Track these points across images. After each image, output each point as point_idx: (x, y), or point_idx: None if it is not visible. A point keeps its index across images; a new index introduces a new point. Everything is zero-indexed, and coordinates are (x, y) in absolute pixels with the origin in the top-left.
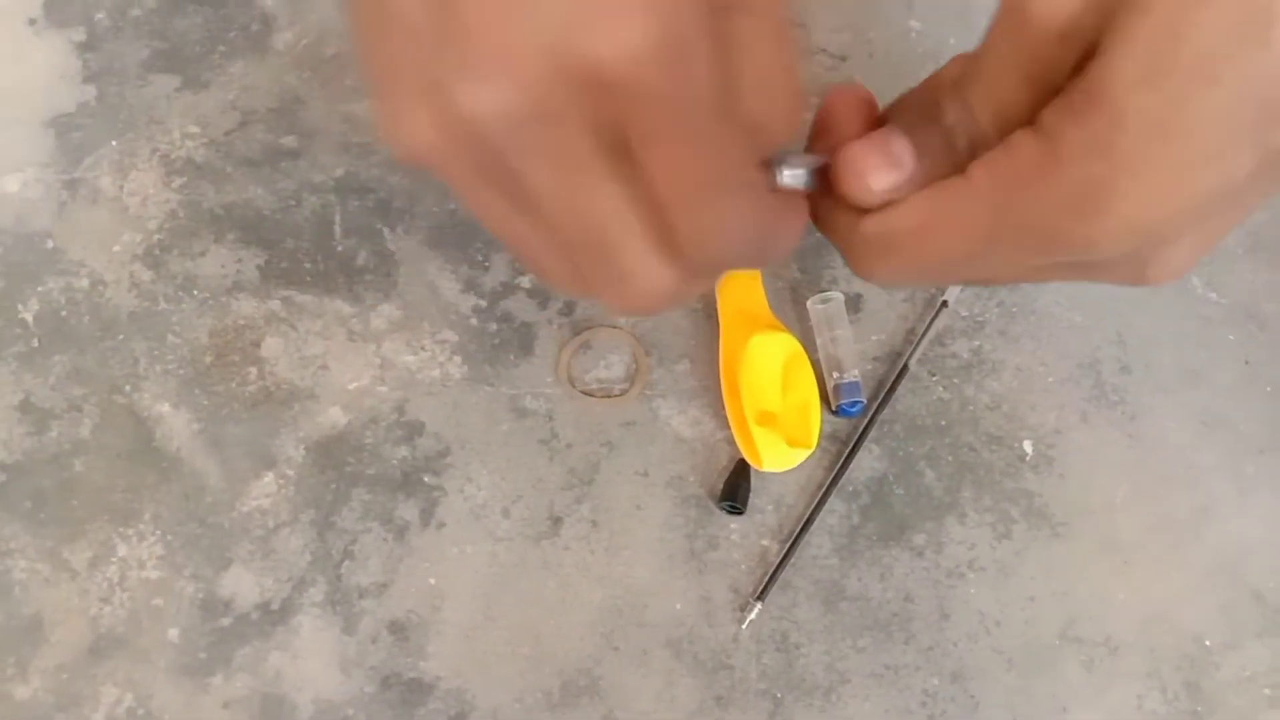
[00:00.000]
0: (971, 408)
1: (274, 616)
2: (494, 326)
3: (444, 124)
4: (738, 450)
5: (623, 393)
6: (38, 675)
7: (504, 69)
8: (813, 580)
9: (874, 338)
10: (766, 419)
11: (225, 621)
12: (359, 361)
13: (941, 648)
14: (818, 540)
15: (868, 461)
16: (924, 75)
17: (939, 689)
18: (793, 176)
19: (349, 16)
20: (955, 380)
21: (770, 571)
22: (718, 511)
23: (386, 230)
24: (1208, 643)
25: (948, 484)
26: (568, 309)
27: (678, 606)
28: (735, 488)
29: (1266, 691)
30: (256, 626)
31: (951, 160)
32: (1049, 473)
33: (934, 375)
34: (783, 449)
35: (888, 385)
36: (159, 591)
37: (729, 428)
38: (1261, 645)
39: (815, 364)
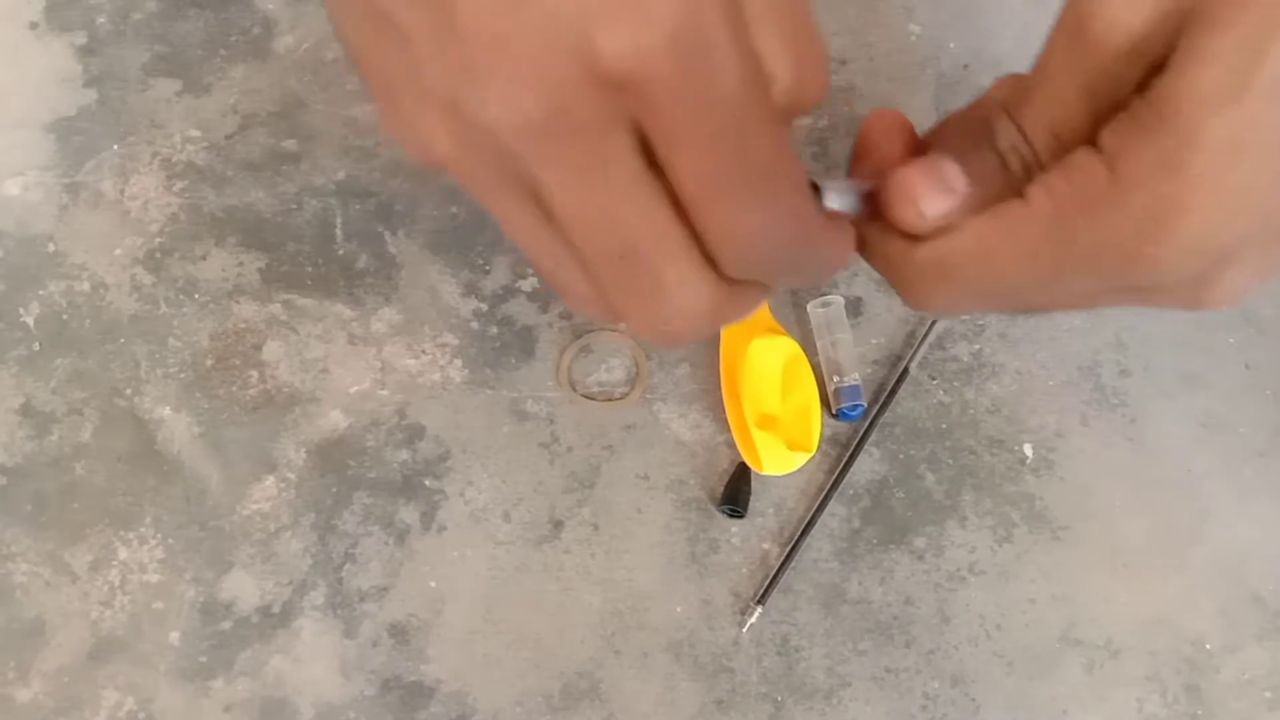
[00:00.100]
0: (972, 411)
1: (275, 620)
2: (495, 330)
3: (459, 135)
4: (738, 454)
5: (623, 396)
6: (38, 679)
7: (512, 74)
8: (813, 583)
9: (874, 341)
10: (767, 422)
11: (226, 625)
12: (360, 365)
13: (942, 651)
14: (818, 544)
15: (868, 465)
16: (924, 79)
17: (939, 692)
18: (839, 201)
19: (336, 24)
20: (955, 384)
21: (771, 575)
22: (718, 515)
23: (387, 234)
24: (1208, 646)
25: (948, 487)
26: (569, 313)
27: (678, 610)
28: (736, 491)
29: (1267, 694)
30: (257, 630)
31: (1006, 183)
32: (1049, 476)
33: (934, 379)
34: (783, 452)
35: (888, 389)
36: (160, 595)
37: (729, 431)
38: (1261, 648)
39: (815, 367)
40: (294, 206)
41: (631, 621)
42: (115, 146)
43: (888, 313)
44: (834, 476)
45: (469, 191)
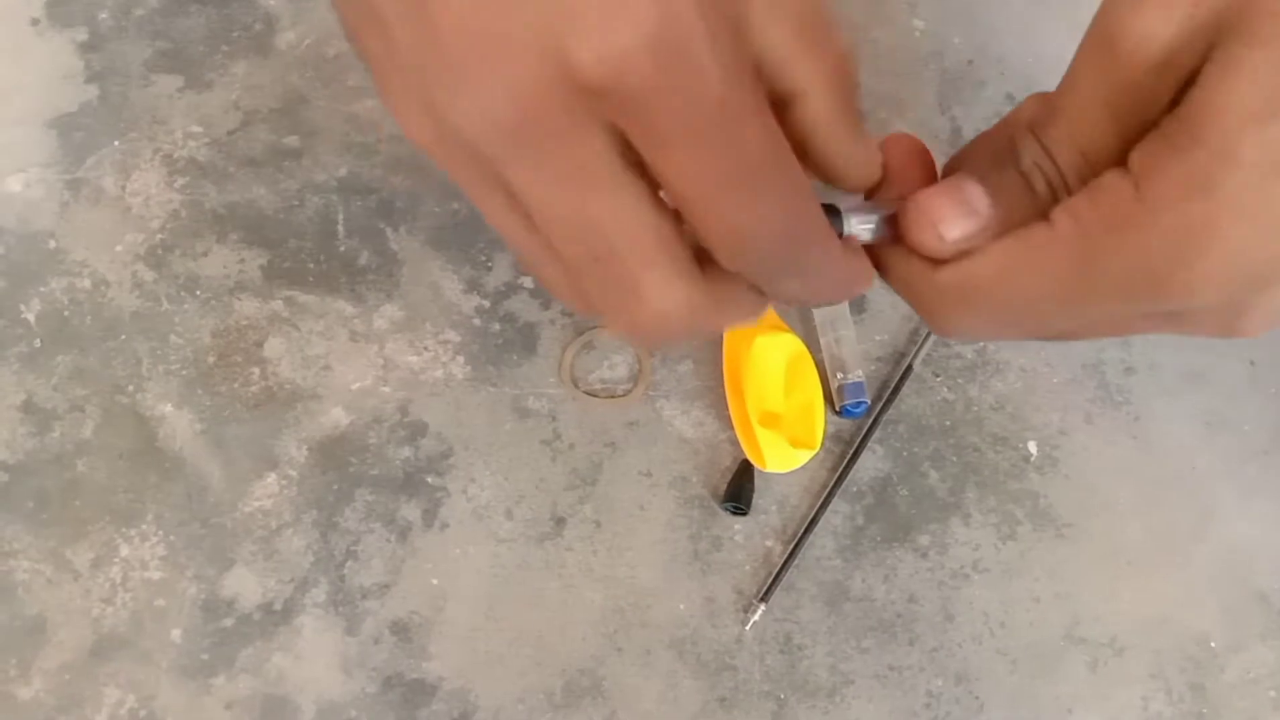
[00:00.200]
0: (976, 408)
1: (276, 617)
2: (497, 327)
3: (438, 129)
4: (741, 451)
5: (626, 393)
6: (40, 676)
7: (486, 79)
8: (816, 581)
9: (878, 338)
10: (770, 420)
11: (228, 622)
12: (362, 362)
13: (946, 649)
14: (821, 541)
15: (871, 462)
16: (928, 75)
17: (943, 690)
18: (860, 226)
19: (338, 11)
20: (959, 381)
21: (774, 572)
22: (721, 512)
23: (389, 230)
24: (1212, 644)
25: (952, 485)
26: (571, 309)
27: (681, 607)
28: (739, 488)
29: (1271, 693)
30: (259, 627)
31: (1032, 206)
32: (1053, 474)
33: (938, 376)
34: (786, 450)
35: (892, 386)
36: (161, 592)
37: (732, 428)
38: (1266, 647)
39: (819, 364)
40: (296, 203)
41: (634, 619)
42: (116, 143)
43: (891, 309)
44: (837, 474)
45: (455, 180)
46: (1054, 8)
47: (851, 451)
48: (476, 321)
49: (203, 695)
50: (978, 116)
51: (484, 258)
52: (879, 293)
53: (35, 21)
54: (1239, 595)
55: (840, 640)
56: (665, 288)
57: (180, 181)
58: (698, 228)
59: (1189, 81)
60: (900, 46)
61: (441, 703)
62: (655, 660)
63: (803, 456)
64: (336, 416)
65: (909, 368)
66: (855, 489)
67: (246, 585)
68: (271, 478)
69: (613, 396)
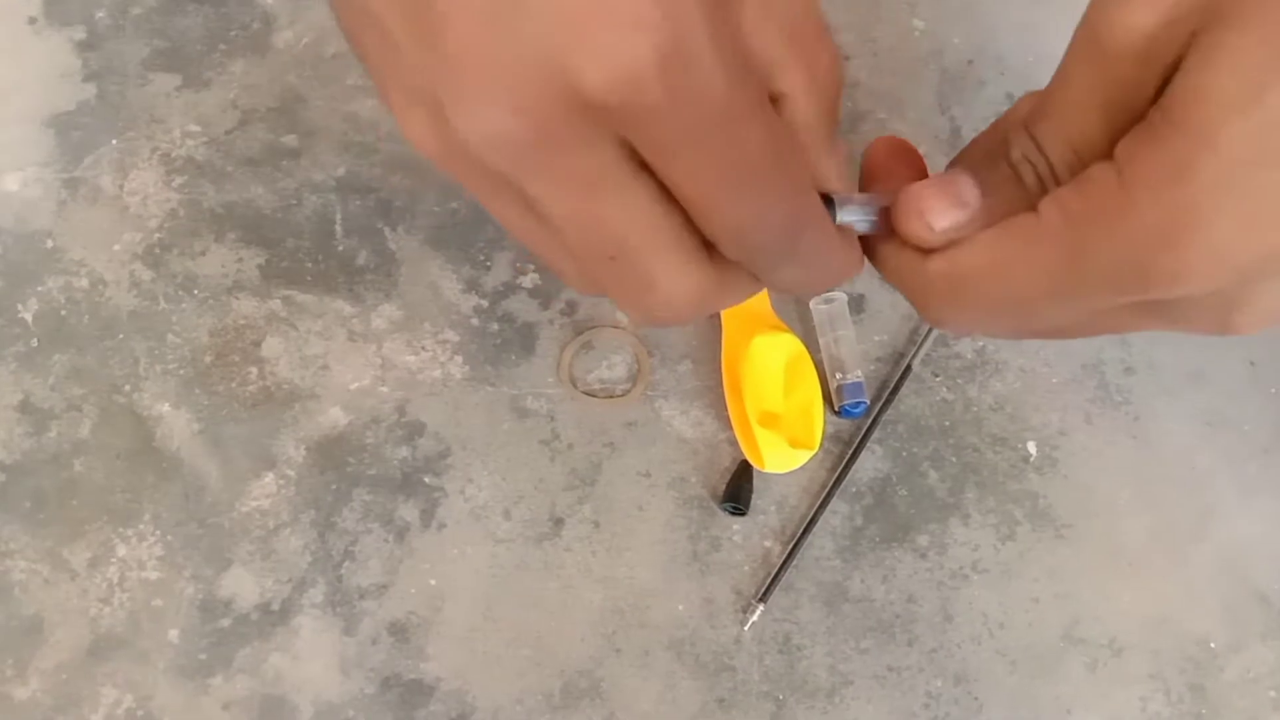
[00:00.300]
0: (975, 409)
1: (274, 617)
2: (495, 326)
3: (444, 138)
4: (740, 451)
5: (625, 393)
6: (37, 676)
7: (494, 95)
8: (815, 582)
9: (877, 338)
10: (769, 420)
11: (225, 622)
12: (360, 361)
13: (945, 649)
14: (820, 541)
15: (871, 462)
16: (928, 74)
17: (942, 691)
18: (854, 215)
19: (337, 15)
20: (959, 381)
21: (773, 573)
22: (720, 512)
23: (387, 230)
24: (1212, 644)
25: (951, 485)
26: (570, 309)
27: (680, 608)
28: (737, 489)
29: (1271, 694)
30: (256, 627)
31: (1021, 198)
32: (1053, 474)
33: (937, 376)
34: (785, 450)
35: (891, 386)
36: (159, 592)
37: (731, 428)
38: (1266, 647)
39: (818, 364)
40: (294, 202)
41: (632, 620)
42: (114, 142)
43: (890, 309)
44: (836, 474)
45: (460, 183)
46: (1054, 7)
47: (850, 452)
48: (475, 321)
49: (200, 695)
50: (977, 116)
51: (483, 257)
52: (878, 293)
53: (33, 20)
54: (1239, 595)
55: (839, 641)
56: (676, 276)
57: (178, 181)
58: (703, 224)
59: (1175, 71)
60: (900, 46)
61: (439, 703)
62: (654, 661)
63: (802, 457)
64: (334, 416)
65: (908, 368)
66: (854, 489)
67: (244, 585)
68: (269, 478)
69: (611, 396)
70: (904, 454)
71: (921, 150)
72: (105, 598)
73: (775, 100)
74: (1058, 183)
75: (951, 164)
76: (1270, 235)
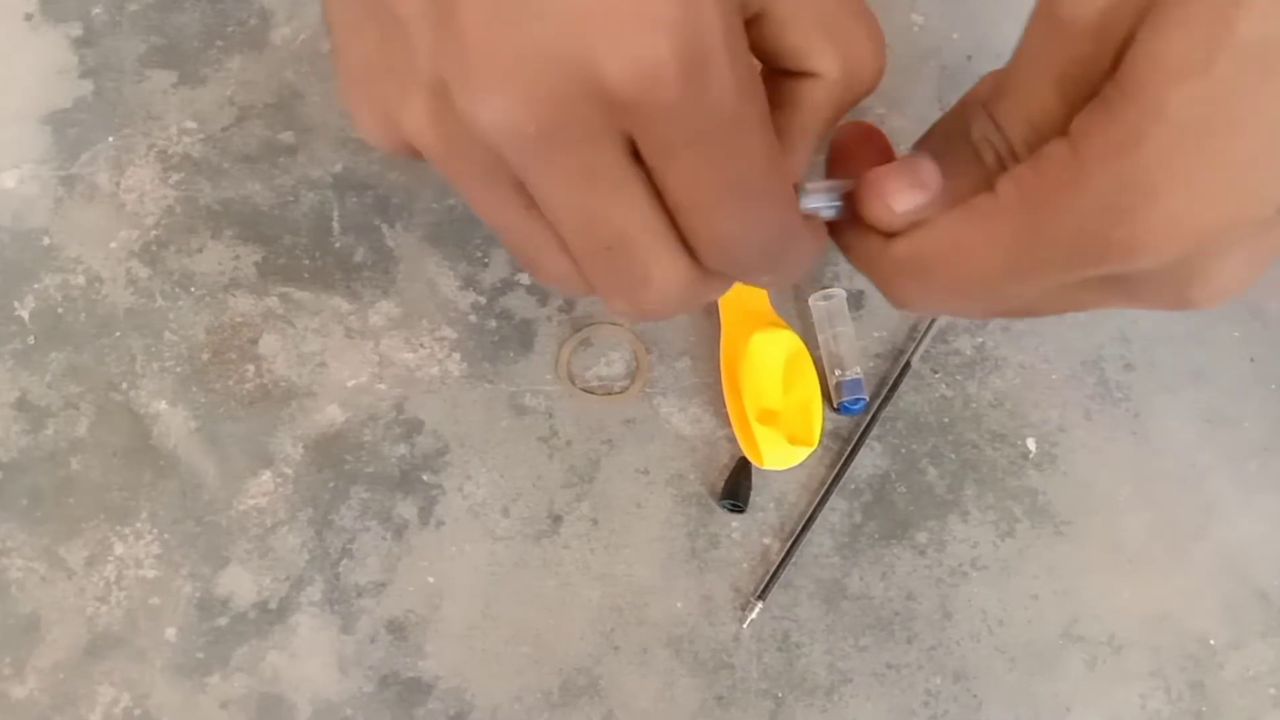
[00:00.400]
0: (974, 405)
1: (272, 616)
2: (493, 323)
3: (443, 124)
4: (739, 448)
5: (623, 390)
6: (34, 675)
7: (509, 83)
8: (814, 579)
9: (876, 334)
10: (768, 416)
11: (223, 621)
12: (357, 359)
13: (944, 647)
14: (819, 539)
15: (870, 459)
16: (927, 70)
17: (941, 688)
18: (819, 201)
19: (325, 5)
20: (958, 377)
21: (771, 570)
22: (719, 510)
23: (385, 227)
24: (1212, 642)
25: (950, 482)
26: (568, 306)
27: (678, 605)
28: (736, 486)
29: (1271, 691)
30: (254, 626)
31: (982, 178)
32: (1052, 471)
33: (936, 372)
34: (784, 447)
35: (890, 382)
36: (156, 590)
37: (730, 425)
38: (1266, 645)
39: (817, 361)
40: (291, 199)
41: (631, 617)
42: (111, 139)
43: (890, 306)
44: (835, 471)
45: (444, 174)
46: None
47: (849, 448)
48: (473, 318)
49: (198, 694)
50: None
51: (480, 254)
52: (877, 290)
53: (29, 16)
54: (1239, 592)
55: (838, 638)
56: (670, 271)
57: (175, 178)
58: (690, 230)
59: (1129, 44)
60: (899, 42)
61: (438, 701)
62: (652, 659)
63: (800, 454)
64: (332, 414)
65: (907, 364)
66: (853, 486)
67: (241, 583)
68: (266, 475)
69: (610, 393)
70: (903, 451)
71: None
72: (102, 596)
73: (803, 77)
74: (1017, 161)
75: (915, 146)
76: (1223, 204)
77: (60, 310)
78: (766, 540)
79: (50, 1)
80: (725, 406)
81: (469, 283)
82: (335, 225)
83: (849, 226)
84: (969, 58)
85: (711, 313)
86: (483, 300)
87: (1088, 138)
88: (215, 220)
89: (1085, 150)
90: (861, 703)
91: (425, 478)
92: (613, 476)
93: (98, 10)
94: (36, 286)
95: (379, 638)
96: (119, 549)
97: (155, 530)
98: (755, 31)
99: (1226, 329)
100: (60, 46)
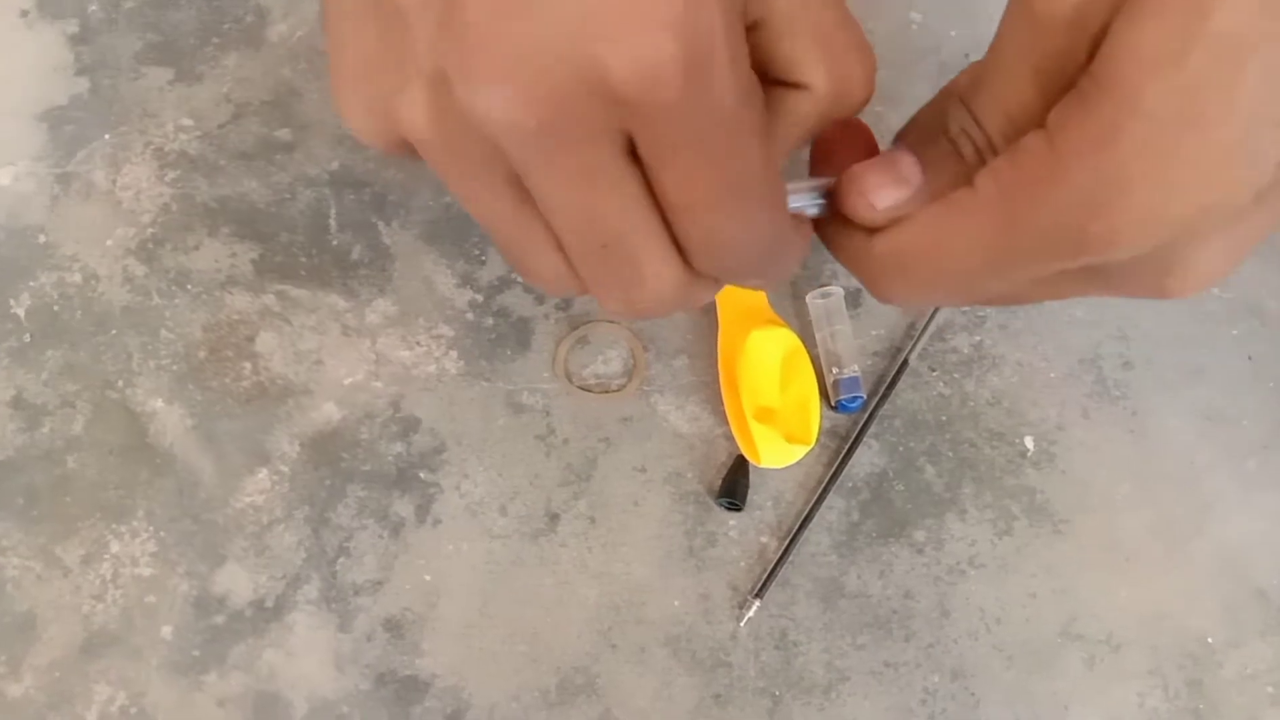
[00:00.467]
0: (972, 403)
1: (268, 614)
2: (490, 321)
3: (441, 116)
4: (736, 446)
5: (620, 388)
6: (30, 673)
7: (512, 77)
8: (812, 577)
9: (874, 333)
10: (765, 415)
11: (219, 619)
12: (354, 357)
13: (942, 645)
14: (817, 537)
15: (867, 457)
16: (925, 67)
17: (939, 687)
18: (802, 200)
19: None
20: (956, 375)
21: (769, 569)
22: (716, 508)
23: (382, 224)
24: (1210, 640)
25: (948, 480)
26: (565, 304)
27: (676, 604)
28: (734, 484)
29: (1269, 689)
30: (251, 624)
31: (962, 172)
32: (1050, 469)
33: (934, 370)
34: (782, 445)
35: (888, 381)
36: (152, 589)
37: (727, 423)
38: (1264, 643)
39: (814, 359)
40: (287, 196)
41: (628, 616)
42: (107, 136)
43: (888, 305)
44: (833, 469)
45: (435, 168)
46: None
47: (847, 447)
48: (470, 316)
49: (194, 692)
50: None
51: (478, 252)
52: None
53: (25, 13)
54: (1238, 591)
55: (836, 636)
56: (663, 270)
57: (171, 175)
58: (682, 232)
59: (1104, 36)
60: (896, 39)
61: (435, 699)
62: (650, 657)
63: (798, 452)
64: (328, 412)
65: (905, 363)
66: (851, 484)
67: (238, 582)
68: (263, 473)
69: (607, 392)
70: (901, 449)
71: None
72: (98, 594)
73: (793, 87)
74: (995, 153)
75: (895, 139)
76: (1199, 195)
77: (56, 308)
78: (764, 539)
79: None
80: (723, 404)
81: (466, 280)
82: (332, 223)
83: (833, 223)
84: (967, 55)
85: (709, 310)
86: (480, 298)
87: (1064, 131)
88: (212, 218)
89: (1062, 144)
90: (859, 701)
91: (422, 476)
92: (610, 475)
93: (94, 7)
94: (32, 284)
95: (376, 636)
96: (115, 547)
97: (151, 528)
98: (751, 39)
99: (1225, 327)
100: (56, 43)
